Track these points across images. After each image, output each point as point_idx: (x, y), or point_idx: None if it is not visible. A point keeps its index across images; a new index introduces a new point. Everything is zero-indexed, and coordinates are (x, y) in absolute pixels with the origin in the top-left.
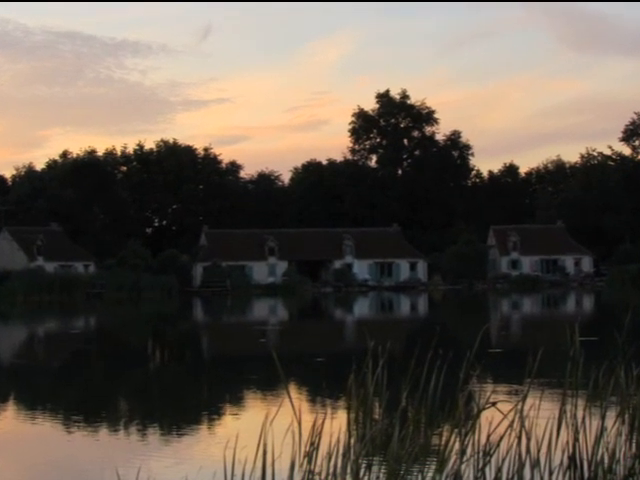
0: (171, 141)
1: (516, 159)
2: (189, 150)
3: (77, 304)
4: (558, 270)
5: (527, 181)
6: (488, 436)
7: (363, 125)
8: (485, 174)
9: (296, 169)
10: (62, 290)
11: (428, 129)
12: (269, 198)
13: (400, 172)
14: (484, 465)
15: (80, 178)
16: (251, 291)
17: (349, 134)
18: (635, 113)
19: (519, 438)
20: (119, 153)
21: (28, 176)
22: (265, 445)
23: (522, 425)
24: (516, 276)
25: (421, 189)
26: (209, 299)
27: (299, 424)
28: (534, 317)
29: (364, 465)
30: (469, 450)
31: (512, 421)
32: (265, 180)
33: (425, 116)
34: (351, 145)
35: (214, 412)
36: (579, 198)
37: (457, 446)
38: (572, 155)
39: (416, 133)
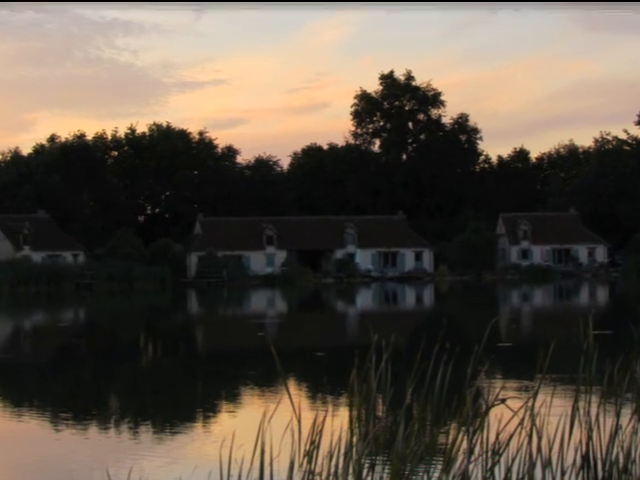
0: (164, 125)
1: (527, 143)
2: (183, 134)
3: (66, 296)
4: (571, 260)
5: (538, 167)
6: (497, 434)
7: (366, 108)
8: (494, 159)
9: (295, 154)
10: (50, 281)
11: (434, 112)
12: (267, 184)
13: (405, 157)
14: (493, 465)
15: (69, 163)
16: (248, 282)
17: (351, 117)
18: None
19: (530, 437)
20: (109, 137)
21: (14, 161)
22: (263, 444)
23: (533, 423)
24: (527, 266)
25: (427, 175)
26: (204, 290)
27: (299, 422)
28: (545, 309)
29: (367, 465)
30: (477, 449)
31: (522, 419)
32: (263, 165)
33: (431, 98)
34: (353, 129)
35: (209, 409)
36: (593, 184)
37: (465, 445)
38: (585, 139)
39: (421, 116)
